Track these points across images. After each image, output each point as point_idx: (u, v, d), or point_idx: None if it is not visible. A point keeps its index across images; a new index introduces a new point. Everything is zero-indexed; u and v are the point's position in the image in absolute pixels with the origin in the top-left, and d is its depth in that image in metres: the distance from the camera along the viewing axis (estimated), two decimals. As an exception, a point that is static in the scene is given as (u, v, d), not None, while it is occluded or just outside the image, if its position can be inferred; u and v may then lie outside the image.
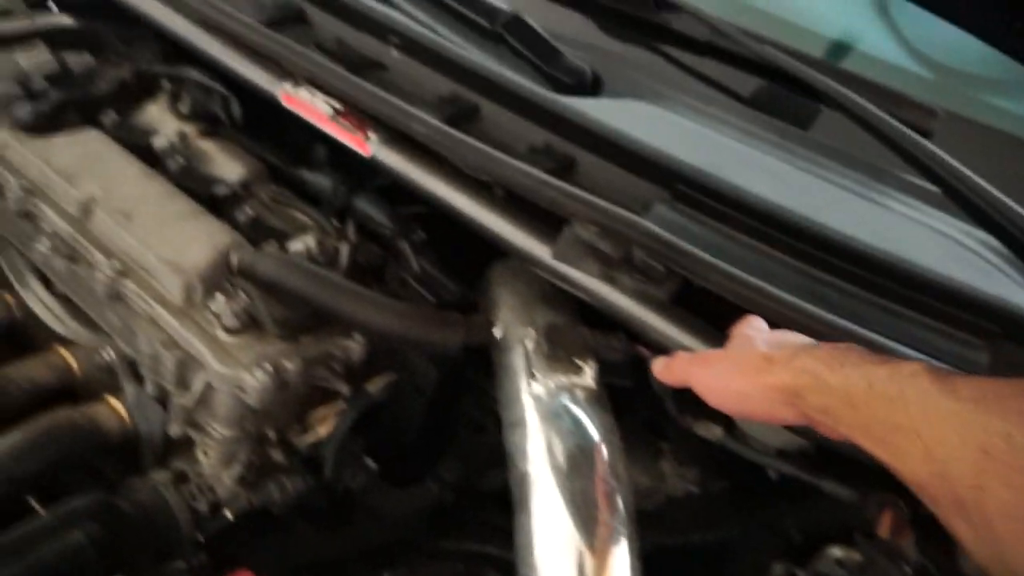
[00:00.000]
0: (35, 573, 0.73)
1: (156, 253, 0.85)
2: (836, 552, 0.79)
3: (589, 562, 0.67)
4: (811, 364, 0.60)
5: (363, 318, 0.81)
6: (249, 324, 0.81)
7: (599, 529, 0.67)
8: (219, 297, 0.81)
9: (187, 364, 0.82)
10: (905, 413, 0.52)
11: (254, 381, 0.77)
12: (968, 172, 0.87)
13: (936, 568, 0.71)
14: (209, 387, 0.81)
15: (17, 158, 0.97)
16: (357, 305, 0.81)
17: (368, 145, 0.94)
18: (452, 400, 1.02)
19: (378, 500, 0.97)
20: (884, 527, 0.70)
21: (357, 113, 0.97)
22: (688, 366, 0.70)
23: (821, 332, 0.72)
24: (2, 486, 0.79)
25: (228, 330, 0.81)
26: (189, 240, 0.86)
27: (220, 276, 0.85)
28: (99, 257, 0.87)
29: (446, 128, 0.90)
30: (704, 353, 0.72)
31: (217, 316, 0.81)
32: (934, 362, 0.71)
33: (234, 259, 0.85)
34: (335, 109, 0.97)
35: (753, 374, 0.64)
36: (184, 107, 1.12)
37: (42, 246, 0.91)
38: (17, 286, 1.04)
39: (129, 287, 0.85)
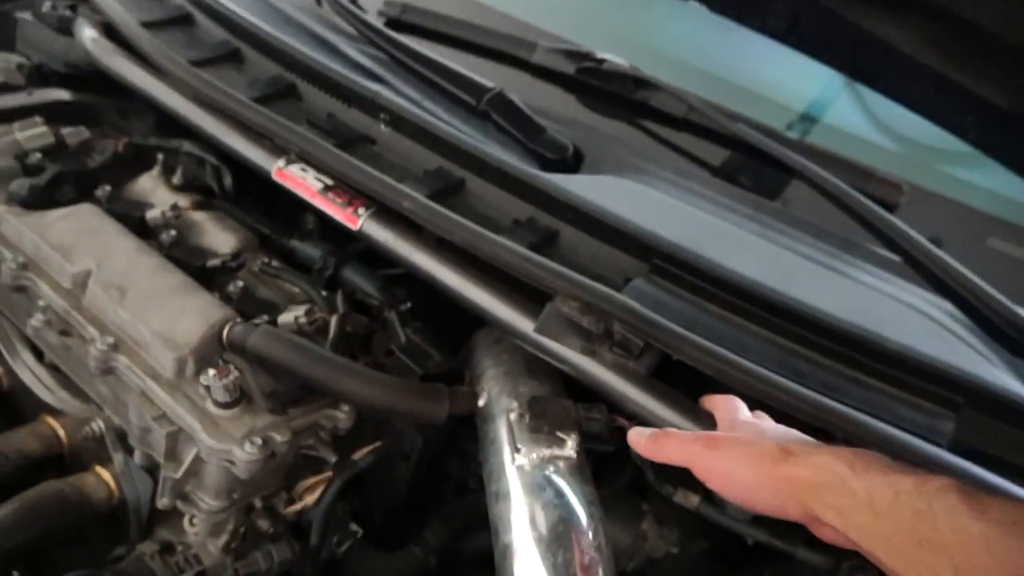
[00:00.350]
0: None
1: (149, 328, 0.87)
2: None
3: (571, 634, 0.68)
4: (832, 463, 0.59)
5: (351, 392, 0.84)
6: (239, 398, 0.83)
7: (581, 602, 0.68)
8: (210, 372, 0.83)
9: (178, 437, 0.84)
10: (933, 528, 0.52)
11: (244, 454, 0.79)
12: (929, 244, 0.91)
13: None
14: (199, 459, 0.83)
15: (12, 232, 0.99)
16: (345, 379, 0.83)
17: (357, 220, 0.97)
18: (437, 464, 1.04)
19: (363, 565, 0.98)
20: (855, 593, 0.72)
21: (347, 188, 1.00)
22: (690, 447, 0.68)
23: (793, 404, 0.75)
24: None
25: (218, 404, 0.82)
26: (181, 315, 0.88)
27: (212, 351, 0.87)
28: (92, 331, 0.89)
29: (433, 205, 0.93)
30: (710, 436, 0.70)
31: (208, 390, 0.83)
32: (964, 464, 0.71)
33: (225, 334, 0.87)
34: (325, 185, 1.00)
35: (768, 464, 0.63)
36: (177, 179, 1.15)
37: (35, 320, 0.93)
38: (7, 356, 1.06)
39: (121, 361, 0.87)
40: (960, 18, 0.75)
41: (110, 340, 0.87)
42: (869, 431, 0.73)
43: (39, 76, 1.32)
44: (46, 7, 1.38)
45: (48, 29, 1.37)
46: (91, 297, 0.92)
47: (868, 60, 0.94)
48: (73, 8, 1.38)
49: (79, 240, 0.97)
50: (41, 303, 0.93)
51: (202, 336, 0.86)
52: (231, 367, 0.83)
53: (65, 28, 1.34)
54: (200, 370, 0.85)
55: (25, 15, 1.41)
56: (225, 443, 0.80)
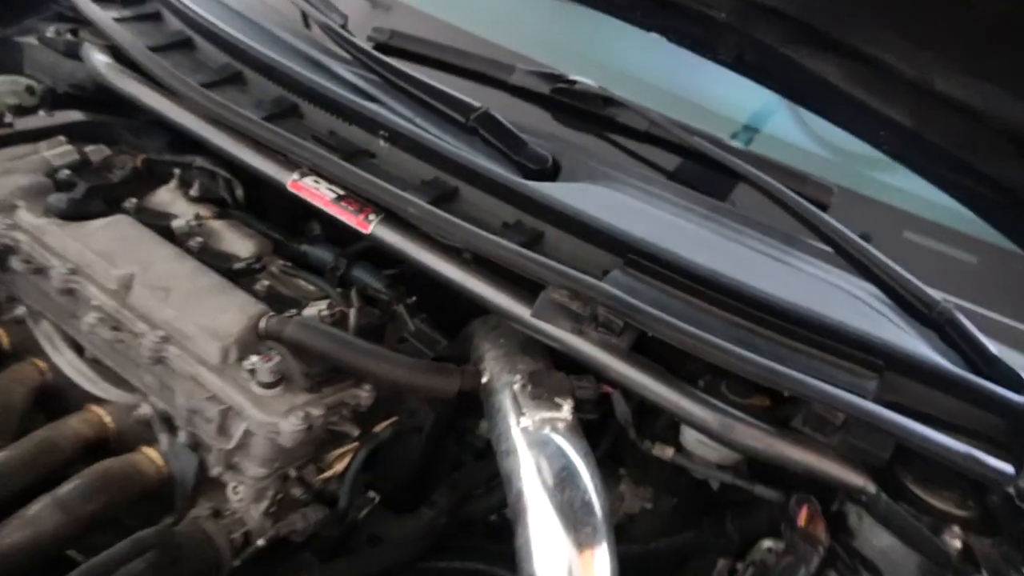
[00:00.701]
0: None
1: (194, 322, 1.00)
2: (767, 543, 0.98)
3: (577, 559, 0.83)
4: None
5: (376, 371, 0.98)
6: (280, 379, 0.97)
7: (585, 529, 0.84)
8: (253, 357, 0.96)
9: (228, 415, 0.97)
10: None
11: (289, 426, 0.93)
12: (856, 237, 1.09)
13: (843, 548, 0.90)
14: (248, 433, 0.96)
15: (56, 241, 1.11)
16: (372, 361, 0.98)
17: (368, 225, 1.11)
18: (443, 437, 1.18)
19: (381, 526, 1.11)
20: (802, 519, 0.89)
21: (356, 198, 1.14)
22: None
23: (748, 370, 0.92)
24: (72, 524, 0.91)
25: (263, 384, 0.96)
26: (222, 310, 1.01)
27: (250, 340, 1.00)
28: (142, 326, 1.01)
29: (435, 210, 1.08)
30: None
31: (252, 373, 0.96)
32: (883, 411, 0.80)
33: (263, 325, 1.00)
34: (338, 195, 1.14)
35: None
36: (194, 191, 1.27)
37: (89, 318, 1.04)
38: (50, 352, 1.16)
39: (172, 351, 0.99)
40: (871, 56, 0.93)
41: (161, 333, 0.99)
42: (809, 388, 0.90)
43: (52, 98, 1.42)
44: (50, 32, 1.47)
45: (54, 53, 1.47)
46: (137, 297, 1.05)
47: (801, 86, 1.12)
48: (74, 32, 1.48)
49: (119, 247, 1.09)
50: (94, 303, 1.05)
51: (243, 327, 1.00)
52: (274, 352, 0.96)
53: (72, 52, 1.44)
54: (242, 357, 0.98)
55: (30, 39, 1.51)
56: (272, 417, 0.93)
